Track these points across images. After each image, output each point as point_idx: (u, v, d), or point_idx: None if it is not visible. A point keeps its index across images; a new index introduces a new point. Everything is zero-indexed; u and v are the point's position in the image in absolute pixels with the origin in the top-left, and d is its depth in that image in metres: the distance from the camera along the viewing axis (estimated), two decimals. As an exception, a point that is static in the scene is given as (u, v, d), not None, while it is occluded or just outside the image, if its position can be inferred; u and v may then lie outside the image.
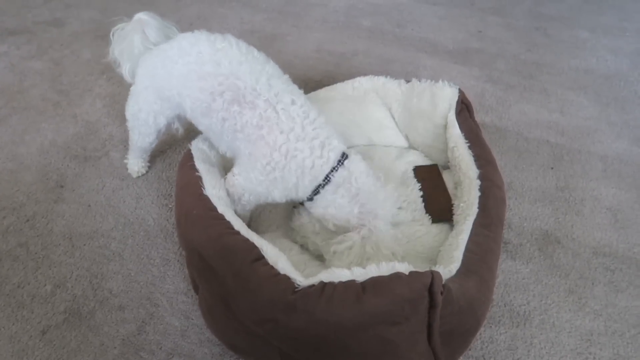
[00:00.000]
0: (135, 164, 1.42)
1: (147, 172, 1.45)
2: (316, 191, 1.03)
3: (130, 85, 1.25)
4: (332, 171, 1.01)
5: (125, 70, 1.23)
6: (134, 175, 1.43)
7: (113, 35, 1.22)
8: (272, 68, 1.07)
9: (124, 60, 1.22)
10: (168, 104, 1.16)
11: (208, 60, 1.04)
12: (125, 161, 1.44)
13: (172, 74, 1.09)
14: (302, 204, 1.11)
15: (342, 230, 1.05)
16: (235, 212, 1.12)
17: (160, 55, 1.14)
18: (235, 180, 1.08)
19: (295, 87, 1.07)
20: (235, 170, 1.09)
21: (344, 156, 1.02)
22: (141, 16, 1.18)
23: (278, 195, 1.06)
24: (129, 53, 1.20)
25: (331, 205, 1.04)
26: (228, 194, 1.10)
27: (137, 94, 1.20)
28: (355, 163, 1.03)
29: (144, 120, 1.22)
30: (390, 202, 1.06)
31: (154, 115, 1.20)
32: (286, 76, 1.09)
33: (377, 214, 1.02)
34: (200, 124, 1.13)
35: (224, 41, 1.07)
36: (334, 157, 1.01)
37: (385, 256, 1.00)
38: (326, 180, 1.01)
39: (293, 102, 1.01)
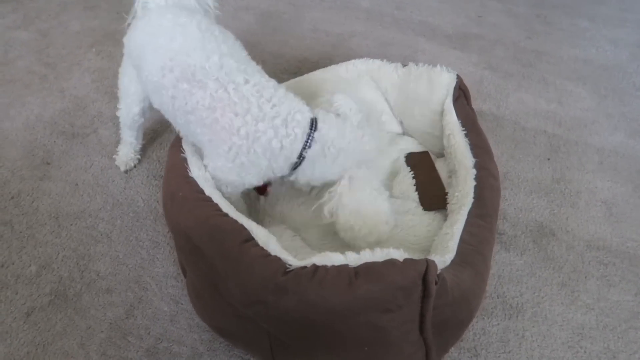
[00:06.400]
0: (125, 154, 1.35)
1: (136, 165, 1.37)
2: (294, 167, 0.99)
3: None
4: (304, 148, 0.96)
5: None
6: (122, 168, 1.35)
7: None
8: (228, 47, 0.99)
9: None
10: (135, 73, 1.12)
11: (164, 33, 0.99)
12: (115, 156, 1.37)
13: (136, 42, 1.06)
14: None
15: (327, 187, 1.03)
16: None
17: (137, 21, 1.10)
18: (207, 172, 1.02)
19: (251, 66, 1.00)
20: (204, 161, 1.03)
21: (313, 126, 0.97)
22: None
23: (254, 179, 1.01)
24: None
25: (312, 176, 1.01)
26: None
27: (124, 58, 1.18)
28: (325, 131, 0.97)
29: (127, 87, 1.18)
30: (368, 144, 1.03)
31: (135, 84, 1.16)
32: (244, 54, 1.02)
33: (358, 162, 1.01)
34: (154, 101, 1.08)
35: (188, 17, 1.01)
36: (300, 132, 0.95)
37: (370, 194, 0.99)
38: (301, 159, 0.97)
39: (246, 81, 0.95)
